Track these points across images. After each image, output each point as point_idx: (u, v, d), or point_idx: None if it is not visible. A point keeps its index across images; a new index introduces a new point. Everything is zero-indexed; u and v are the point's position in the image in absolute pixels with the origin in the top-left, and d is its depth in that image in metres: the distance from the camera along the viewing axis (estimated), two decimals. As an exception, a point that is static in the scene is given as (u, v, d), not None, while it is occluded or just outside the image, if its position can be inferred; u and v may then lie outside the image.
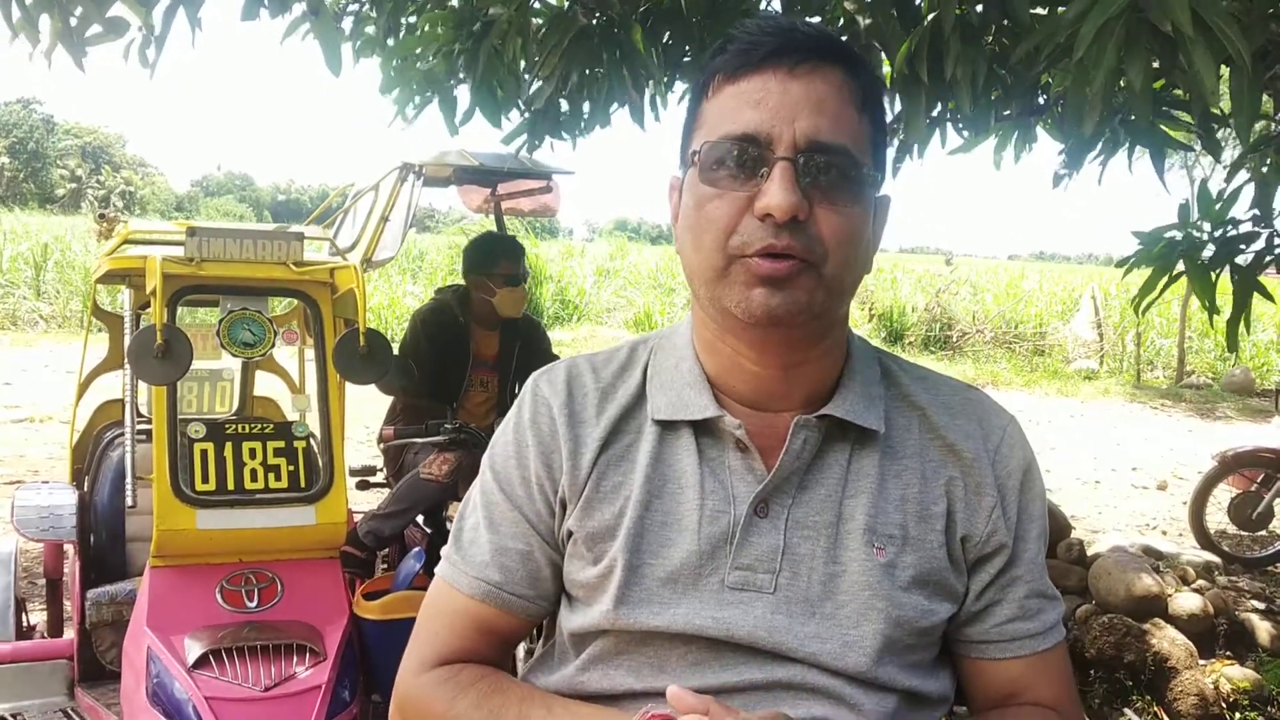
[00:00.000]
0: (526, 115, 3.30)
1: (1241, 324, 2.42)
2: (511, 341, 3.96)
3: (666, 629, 1.02)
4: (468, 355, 3.84)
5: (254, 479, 2.82)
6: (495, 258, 3.83)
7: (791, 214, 0.94)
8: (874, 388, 1.08)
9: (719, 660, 1.02)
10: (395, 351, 3.25)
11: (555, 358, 4.00)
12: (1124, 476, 9.09)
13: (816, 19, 2.82)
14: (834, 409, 1.04)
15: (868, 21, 2.59)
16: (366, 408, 5.25)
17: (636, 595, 1.04)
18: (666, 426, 1.08)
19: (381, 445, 3.48)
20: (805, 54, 0.97)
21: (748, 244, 0.96)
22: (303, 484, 2.86)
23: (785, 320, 0.97)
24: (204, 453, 2.79)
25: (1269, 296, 2.50)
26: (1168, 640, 3.97)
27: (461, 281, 4.01)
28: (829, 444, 1.05)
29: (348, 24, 3.58)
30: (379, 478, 4.15)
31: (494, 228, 4.54)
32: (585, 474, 1.09)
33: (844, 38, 2.76)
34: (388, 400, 4.00)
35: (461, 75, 3.14)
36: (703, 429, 1.07)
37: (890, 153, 3.40)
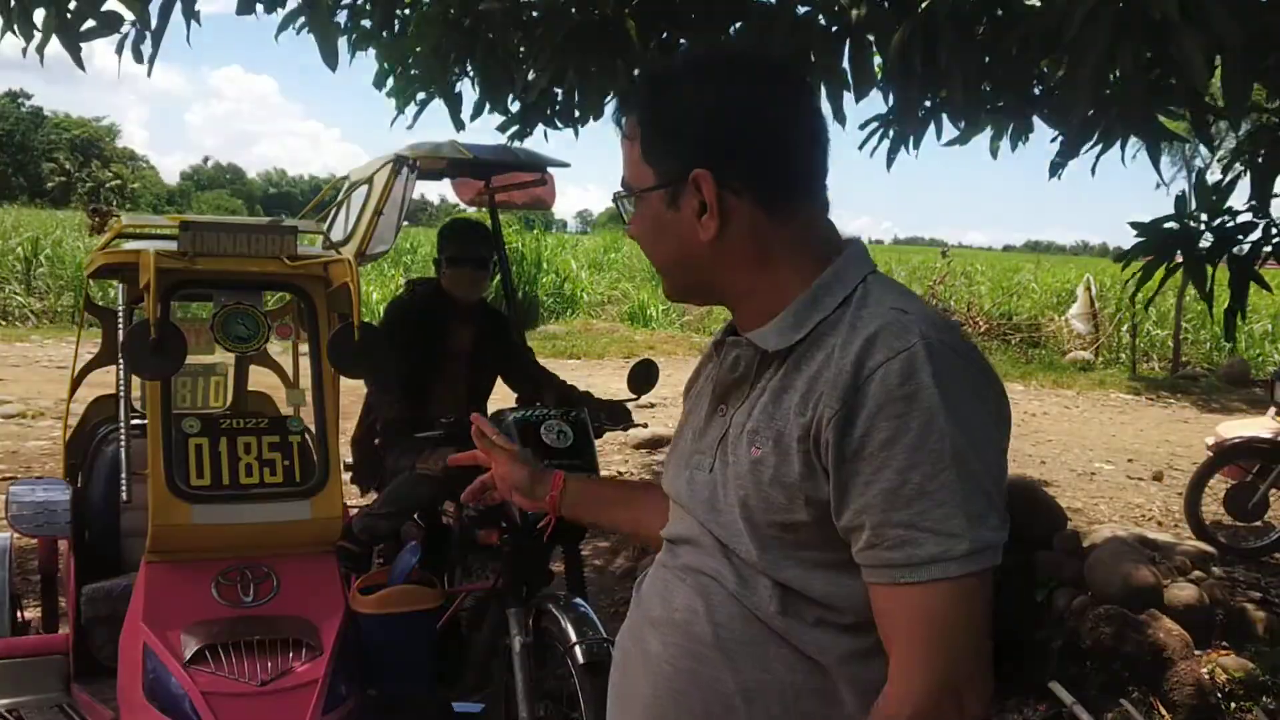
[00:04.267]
0: (520, 106, 3.29)
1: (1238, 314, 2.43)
2: (488, 339, 3.87)
3: (667, 491, 1.38)
4: (441, 345, 3.75)
5: (249, 474, 2.81)
6: (445, 239, 3.79)
7: (629, 235, 1.33)
8: (812, 314, 1.20)
9: (681, 516, 1.32)
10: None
11: (526, 349, 3.99)
12: (1120, 468, 9.10)
13: (807, 9, 2.81)
14: (751, 332, 1.25)
15: (860, 12, 2.58)
16: (361, 402, 5.25)
17: (665, 469, 1.40)
18: (714, 347, 1.36)
19: (377, 440, 3.46)
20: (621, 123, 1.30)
21: None
22: (298, 479, 2.85)
23: (675, 300, 1.42)
24: (199, 448, 2.78)
25: (1266, 286, 2.50)
26: (1164, 631, 3.98)
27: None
28: (767, 361, 1.23)
29: (342, 17, 3.57)
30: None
31: (488, 219, 4.51)
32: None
33: (834, 28, 2.75)
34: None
35: (457, 71, 3.13)
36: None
37: (885, 144, 3.39)
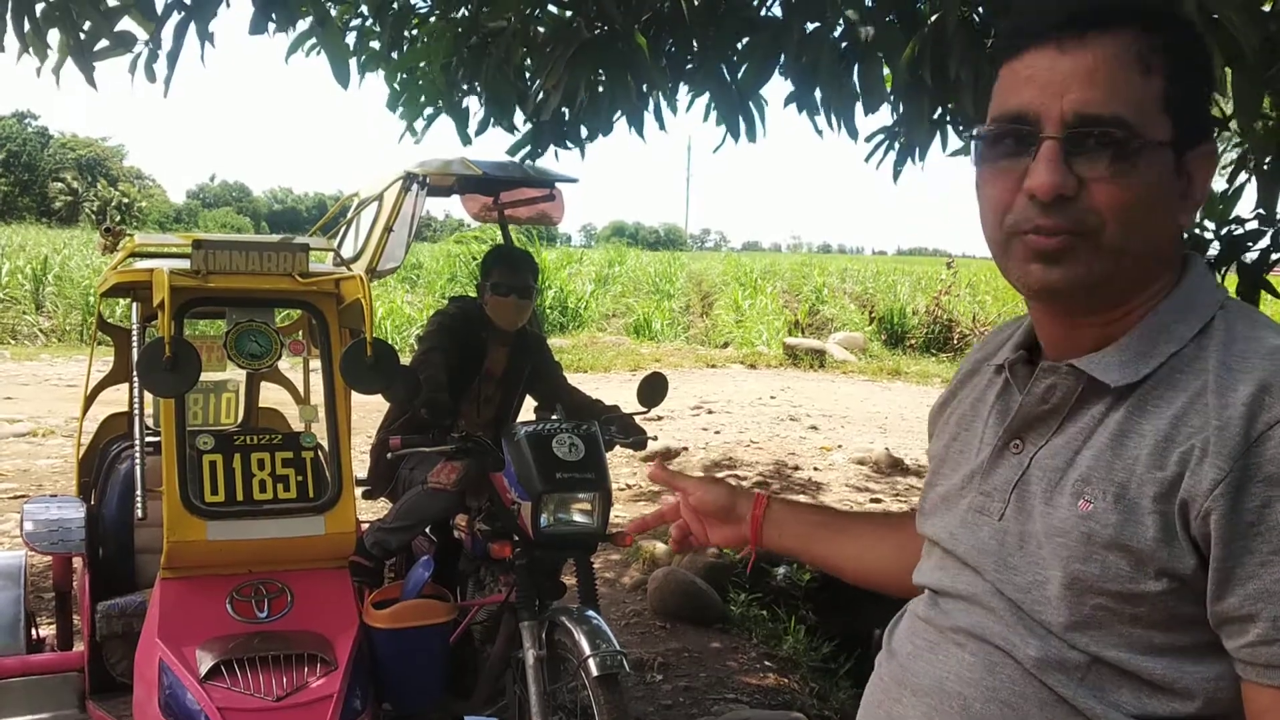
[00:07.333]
0: (530, 125, 3.31)
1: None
2: (522, 360, 3.91)
3: (929, 536, 1.19)
4: (479, 366, 3.80)
5: (263, 490, 2.83)
6: (491, 267, 3.80)
7: (1054, 194, 0.97)
8: (1165, 344, 1.01)
9: (952, 566, 1.13)
10: (404, 359, 3.25)
11: (555, 365, 4.02)
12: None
13: (816, 24, 2.83)
14: (1082, 359, 1.04)
15: (869, 28, 2.60)
16: (372, 418, 5.28)
17: (924, 508, 1.22)
18: (996, 370, 1.18)
19: (390, 455, 3.47)
20: (1076, 24, 0.98)
21: (1019, 223, 1.01)
22: (311, 494, 2.87)
23: (1064, 293, 1.02)
24: (213, 464, 2.80)
25: (1276, 293, 2.51)
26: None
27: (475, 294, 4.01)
28: (1091, 394, 1.04)
29: (351, 38, 3.60)
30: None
31: (496, 236, 4.53)
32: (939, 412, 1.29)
33: (845, 44, 2.77)
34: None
35: (464, 87, 3.15)
36: (1007, 371, 1.16)
37: (891, 156, 3.41)
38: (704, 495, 1.45)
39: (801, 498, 7.57)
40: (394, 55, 3.37)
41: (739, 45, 2.82)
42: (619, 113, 3.16)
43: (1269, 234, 2.53)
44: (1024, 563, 1.03)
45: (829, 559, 1.43)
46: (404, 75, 3.34)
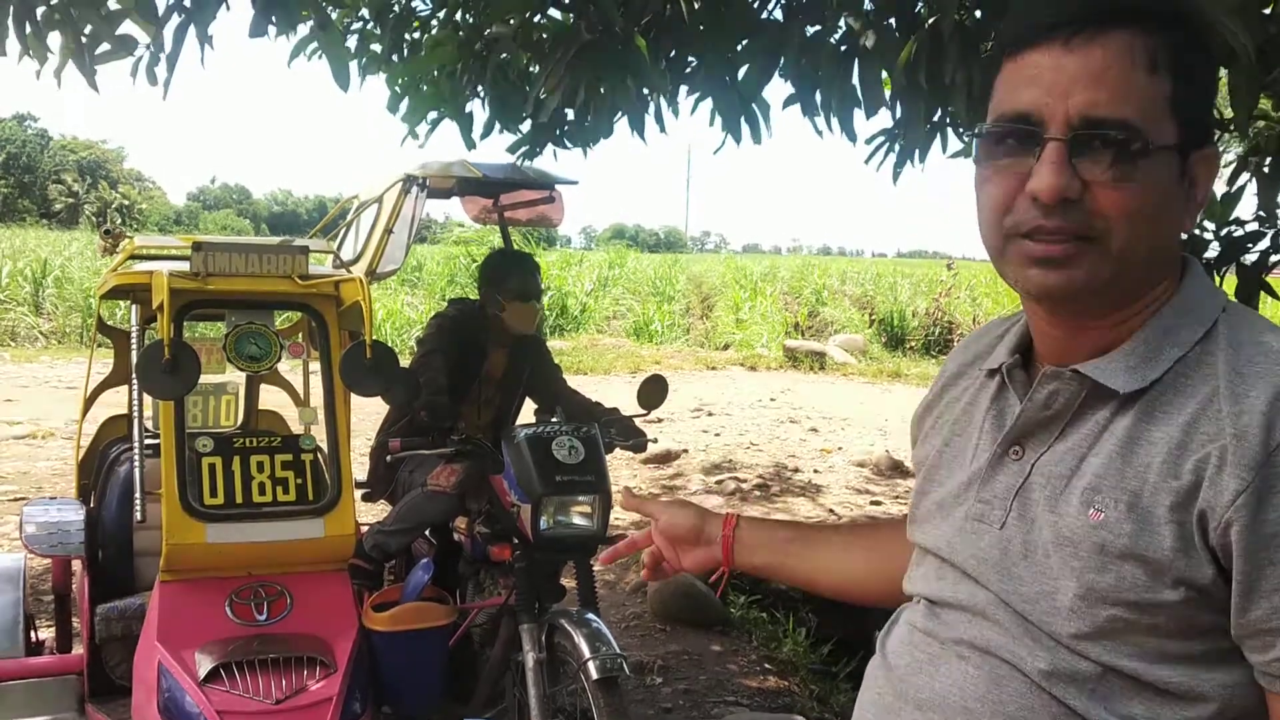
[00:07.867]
0: (530, 126, 3.32)
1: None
2: (521, 363, 3.91)
3: (923, 544, 1.16)
4: (479, 369, 3.80)
5: (262, 492, 2.83)
6: (505, 272, 3.78)
7: (1058, 196, 0.94)
8: (1169, 349, 0.99)
9: (951, 575, 1.10)
10: (404, 361, 3.25)
11: (555, 367, 4.03)
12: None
13: (816, 28, 2.84)
14: (1086, 364, 1.02)
15: (870, 33, 2.60)
16: (372, 420, 5.28)
17: (916, 516, 1.19)
18: (989, 374, 1.16)
19: (389, 458, 3.46)
20: (1083, 23, 0.95)
21: (1019, 224, 0.98)
22: (311, 497, 2.87)
23: (1064, 297, 1.00)
24: (212, 467, 2.80)
25: (1275, 295, 2.51)
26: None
27: (474, 296, 4.00)
28: (1095, 399, 1.01)
29: (352, 41, 3.61)
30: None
31: (496, 238, 4.53)
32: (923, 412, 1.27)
33: (843, 48, 2.77)
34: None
35: (468, 92, 3.15)
36: (1004, 375, 1.13)
37: (891, 158, 3.41)
38: (671, 520, 1.44)
39: (801, 500, 7.56)
40: (394, 58, 3.38)
41: (739, 48, 2.83)
42: (619, 114, 3.16)
43: (1268, 235, 2.53)
44: (1030, 572, 1.01)
45: (800, 575, 1.41)
46: (407, 80, 3.34)
